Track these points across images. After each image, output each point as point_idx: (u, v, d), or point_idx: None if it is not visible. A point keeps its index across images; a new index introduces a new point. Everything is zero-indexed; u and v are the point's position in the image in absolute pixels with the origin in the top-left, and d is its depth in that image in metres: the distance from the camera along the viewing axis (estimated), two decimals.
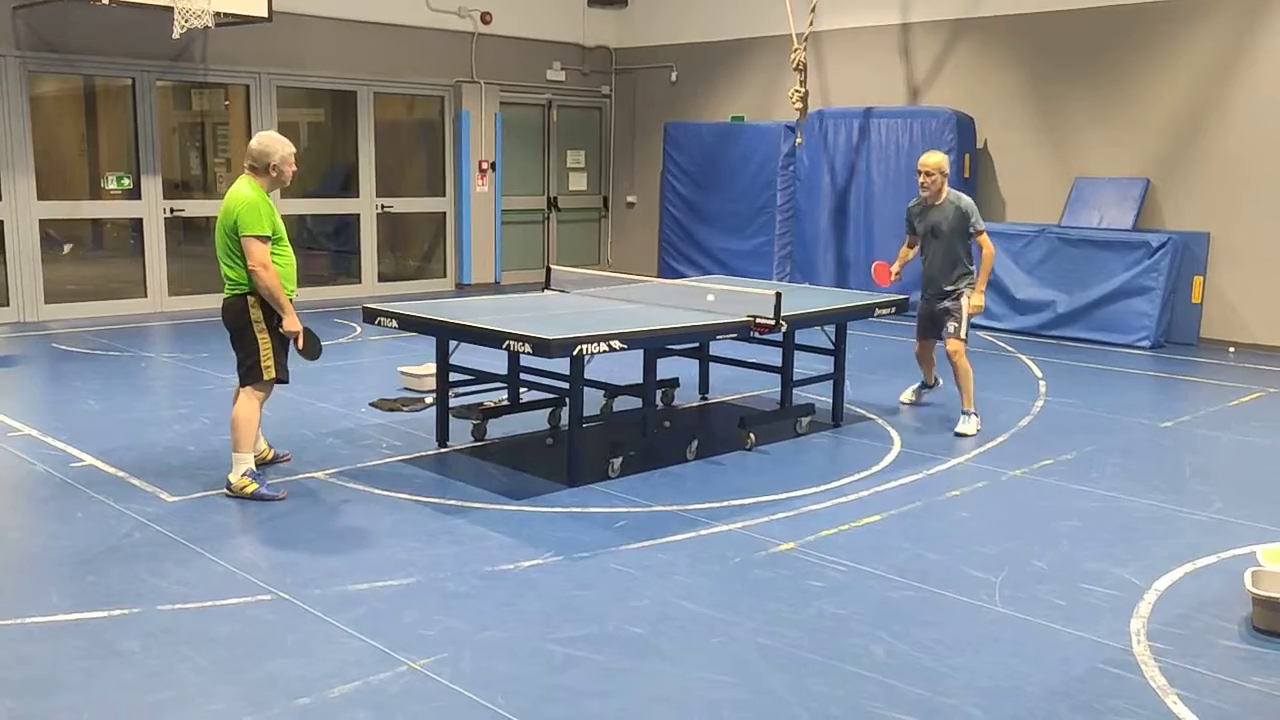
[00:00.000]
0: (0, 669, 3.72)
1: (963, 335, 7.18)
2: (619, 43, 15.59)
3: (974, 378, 7.23)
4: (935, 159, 7.20)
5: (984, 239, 7.23)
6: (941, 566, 4.81)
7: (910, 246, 7.55)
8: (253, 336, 5.51)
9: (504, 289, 13.94)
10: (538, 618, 4.20)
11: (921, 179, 7.17)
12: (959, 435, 7.04)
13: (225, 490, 5.56)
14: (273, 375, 5.55)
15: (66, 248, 11.99)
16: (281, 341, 5.59)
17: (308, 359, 5.73)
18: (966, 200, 7.23)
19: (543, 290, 7.70)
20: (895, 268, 7.50)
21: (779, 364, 7.12)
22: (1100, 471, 6.33)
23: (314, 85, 12.98)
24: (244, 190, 5.46)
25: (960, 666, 3.86)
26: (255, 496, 5.49)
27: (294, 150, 5.62)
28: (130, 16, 10.53)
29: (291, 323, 5.51)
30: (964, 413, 7.15)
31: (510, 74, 14.43)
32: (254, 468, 5.60)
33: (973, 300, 7.23)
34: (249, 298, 5.47)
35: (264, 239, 5.37)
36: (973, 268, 7.31)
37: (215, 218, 5.59)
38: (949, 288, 7.27)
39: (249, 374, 5.57)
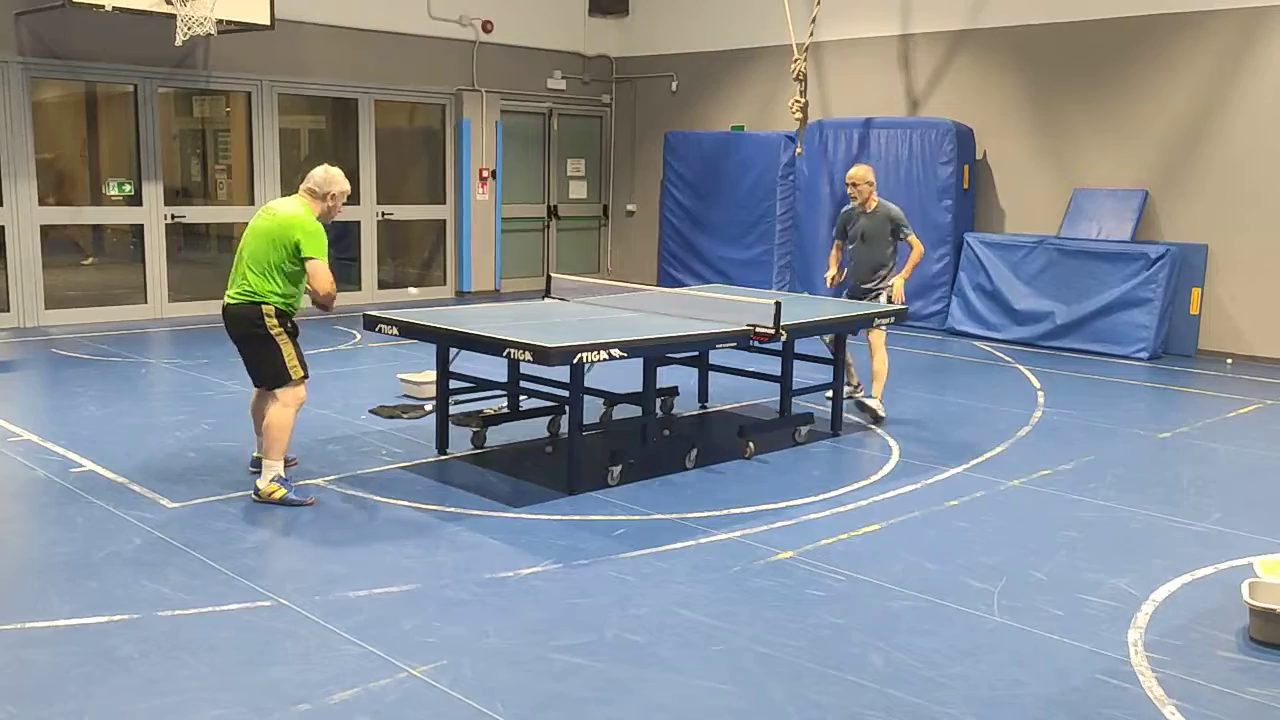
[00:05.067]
0: (0, 674, 3.73)
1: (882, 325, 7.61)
2: (620, 52, 15.62)
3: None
4: (859, 171, 7.91)
5: (913, 239, 7.82)
6: (940, 576, 4.82)
7: (839, 249, 8.23)
8: (274, 346, 5.56)
9: (504, 297, 13.95)
10: (537, 625, 4.21)
11: (850, 190, 7.89)
12: (862, 406, 7.68)
13: (253, 496, 5.57)
14: (300, 374, 5.59)
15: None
16: (297, 342, 5.69)
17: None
18: (896, 211, 7.88)
19: (543, 298, 7.72)
20: (832, 272, 8.21)
21: (778, 373, 7.14)
22: (1098, 482, 6.34)
23: (315, 92, 13.00)
24: (303, 212, 5.54)
25: (958, 676, 3.87)
26: (284, 502, 5.50)
27: (349, 190, 5.79)
28: (133, 23, 10.56)
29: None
30: (869, 395, 7.72)
31: (511, 82, 14.47)
32: (283, 474, 5.61)
33: (895, 287, 7.86)
34: (263, 307, 5.52)
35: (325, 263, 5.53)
36: (893, 265, 7.96)
37: (215, 224, 5.62)
38: (867, 285, 7.96)
39: (276, 380, 5.61)
